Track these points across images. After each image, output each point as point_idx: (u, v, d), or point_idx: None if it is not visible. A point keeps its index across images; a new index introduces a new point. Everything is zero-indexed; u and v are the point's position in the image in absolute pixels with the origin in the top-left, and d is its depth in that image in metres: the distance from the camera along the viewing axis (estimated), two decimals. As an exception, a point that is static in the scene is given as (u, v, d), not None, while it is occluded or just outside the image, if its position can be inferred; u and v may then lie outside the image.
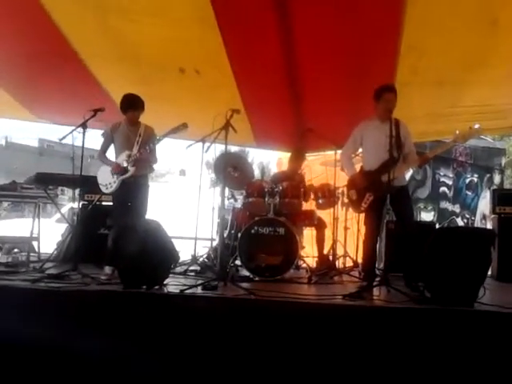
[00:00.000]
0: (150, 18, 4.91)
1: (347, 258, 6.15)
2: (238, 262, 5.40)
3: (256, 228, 5.18)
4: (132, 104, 4.97)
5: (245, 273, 5.21)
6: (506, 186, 14.72)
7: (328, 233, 6.00)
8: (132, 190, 4.97)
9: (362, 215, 5.00)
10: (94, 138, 5.30)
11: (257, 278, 5.02)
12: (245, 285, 4.47)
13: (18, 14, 5.04)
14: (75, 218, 5.76)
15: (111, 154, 5.16)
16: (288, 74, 5.82)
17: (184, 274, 5.14)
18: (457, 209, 11.33)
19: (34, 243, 6.46)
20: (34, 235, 6.24)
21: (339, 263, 6.05)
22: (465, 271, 3.62)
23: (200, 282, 4.37)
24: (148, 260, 4.05)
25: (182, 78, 5.78)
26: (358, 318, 3.52)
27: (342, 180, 5.71)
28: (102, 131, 5.27)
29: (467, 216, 11.50)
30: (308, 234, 6.29)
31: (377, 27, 4.79)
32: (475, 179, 11.84)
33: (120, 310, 3.71)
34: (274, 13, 4.77)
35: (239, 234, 5.29)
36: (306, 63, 5.58)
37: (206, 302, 3.81)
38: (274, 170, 11.86)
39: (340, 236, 6.08)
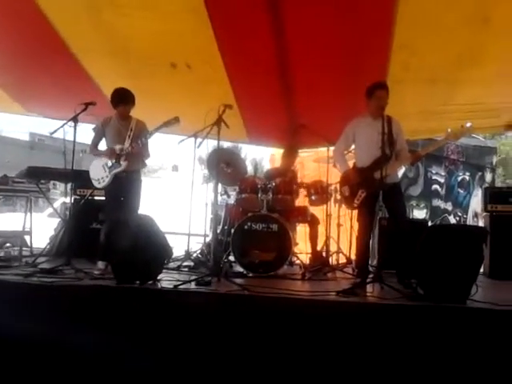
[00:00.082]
0: (141, 12, 4.88)
1: (340, 255, 6.17)
2: (231, 258, 5.39)
3: (249, 224, 5.19)
4: (123, 98, 4.94)
5: (238, 269, 5.20)
6: (498, 184, 14.86)
7: (321, 229, 6.00)
8: (124, 184, 4.96)
9: (355, 212, 5.02)
10: (85, 133, 5.28)
11: (250, 274, 5.03)
12: (238, 280, 4.47)
13: (10, 8, 5.00)
14: (67, 212, 5.73)
15: (102, 148, 5.14)
16: (280, 70, 5.81)
17: (177, 269, 5.12)
18: (449, 207, 11.39)
19: (27, 237, 6.43)
20: (26, 229, 6.21)
21: (332, 260, 6.06)
22: (457, 268, 3.65)
23: (193, 277, 4.37)
24: (141, 255, 4.04)
25: (174, 73, 5.75)
26: (351, 315, 3.53)
27: (334, 177, 5.73)
28: (93, 125, 5.25)
29: (459, 214, 11.57)
30: (301, 231, 6.30)
31: (369, 25, 4.80)
32: (467, 177, 11.91)
33: (113, 305, 3.71)
34: (266, 9, 4.77)
35: (232, 230, 5.29)
36: (298, 60, 5.58)
37: (200, 298, 3.82)
38: (267, 166, 11.87)
39: (333, 232, 6.09)
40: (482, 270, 4.81)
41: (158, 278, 4.20)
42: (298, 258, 5.68)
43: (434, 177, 11.14)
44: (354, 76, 5.38)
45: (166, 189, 10.63)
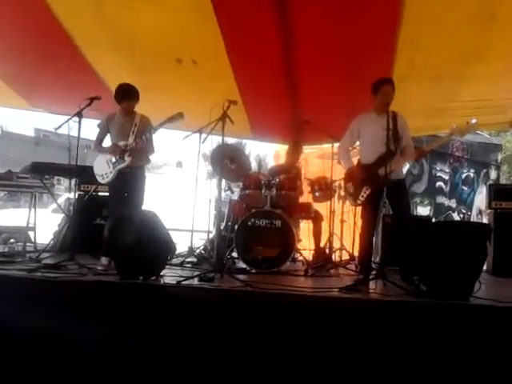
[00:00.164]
0: (146, 5, 4.87)
1: (343, 251, 6.16)
2: (234, 254, 5.40)
3: (253, 220, 5.18)
4: (127, 94, 4.94)
5: (241, 265, 5.21)
6: (503, 181, 14.80)
7: (324, 226, 6.01)
8: (128, 180, 4.96)
9: (359, 208, 5.01)
10: (90, 128, 5.28)
11: (253, 270, 5.03)
12: (241, 277, 4.47)
13: (15, 2, 5.00)
14: (71, 208, 5.75)
15: (107, 144, 5.15)
16: (286, 69, 5.81)
17: (181, 265, 5.13)
18: (453, 204, 11.37)
19: (31, 233, 6.45)
20: (30, 225, 6.23)
21: (335, 256, 6.06)
22: (460, 265, 3.64)
23: (197, 273, 4.37)
24: (144, 251, 4.04)
25: (179, 69, 5.75)
26: (354, 311, 3.53)
27: (338, 173, 5.72)
28: (97, 121, 5.25)
29: (463, 211, 11.54)
30: (304, 227, 6.29)
31: (375, 23, 4.80)
32: (472, 174, 11.87)
33: (116, 300, 3.71)
34: (273, 8, 4.77)
35: (236, 226, 5.28)
36: (304, 58, 5.58)
37: (203, 294, 3.82)
38: (271, 163, 11.84)
39: (336, 229, 6.09)
40: (485, 267, 4.81)
41: (162, 273, 4.20)
42: (301, 255, 5.68)
43: (438, 174, 11.12)
44: (360, 73, 5.37)
45: (170, 185, 10.64)
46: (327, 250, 5.89)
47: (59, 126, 4.86)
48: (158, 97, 6.02)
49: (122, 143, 4.90)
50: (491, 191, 5.91)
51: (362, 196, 4.66)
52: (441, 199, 11.14)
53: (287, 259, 5.12)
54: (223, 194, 6.24)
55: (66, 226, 5.88)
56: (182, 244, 5.64)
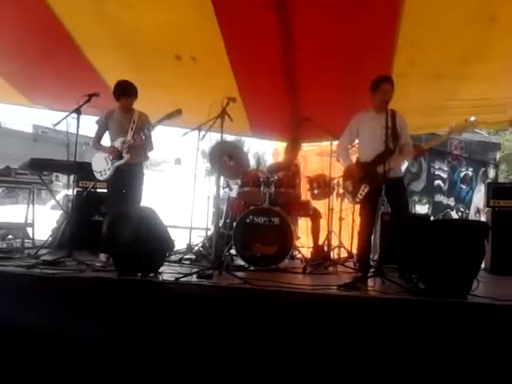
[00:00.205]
0: (146, 3, 4.87)
1: (342, 249, 6.17)
2: (233, 252, 5.40)
3: (251, 217, 5.19)
4: (125, 91, 4.93)
5: (240, 262, 5.22)
6: (501, 180, 14.82)
7: (323, 223, 6.00)
8: (127, 177, 4.95)
9: (357, 206, 5.01)
10: (88, 125, 5.27)
11: (252, 268, 5.03)
12: (240, 274, 4.47)
13: (16, 2, 4.99)
14: (70, 204, 5.74)
15: (106, 142, 5.15)
16: (286, 68, 5.81)
17: (179, 262, 5.14)
18: (451, 202, 11.38)
19: (29, 229, 6.44)
20: (28, 221, 6.22)
21: (334, 254, 6.06)
22: (459, 263, 3.64)
23: (195, 270, 4.38)
24: (143, 247, 4.05)
25: (178, 65, 5.75)
26: (352, 308, 3.53)
27: (337, 171, 5.72)
28: (96, 117, 5.24)
29: (461, 209, 11.56)
30: (303, 225, 6.30)
31: (375, 22, 4.80)
32: (470, 173, 11.89)
33: (115, 297, 3.71)
34: (273, 8, 4.77)
35: (234, 224, 5.29)
36: (304, 58, 5.59)
37: (201, 290, 3.82)
38: (269, 160, 11.84)
39: (335, 227, 6.08)
40: (483, 266, 4.82)
41: (160, 270, 4.21)
42: (300, 252, 5.68)
43: (436, 172, 11.13)
44: (359, 71, 5.37)
45: (168, 182, 10.63)
46: (325, 248, 5.88)
47: (57, 123, 4.86)
48: (157, 94, 6.02)
49: (120, 140, 4.89)
50: (489, 189, 5.92)
51: (361, 194, 4.66)
52: (439, 197, 11.16)
53: (285, 257, 5.12)
54: (222, 191, 6.24)
55: (65, 223, 5.88)
56: (180, 241, 5.64)
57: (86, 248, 5.22)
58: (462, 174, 11.73)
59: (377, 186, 4.49)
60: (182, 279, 3.97)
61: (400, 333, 3.36)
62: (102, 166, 4.97)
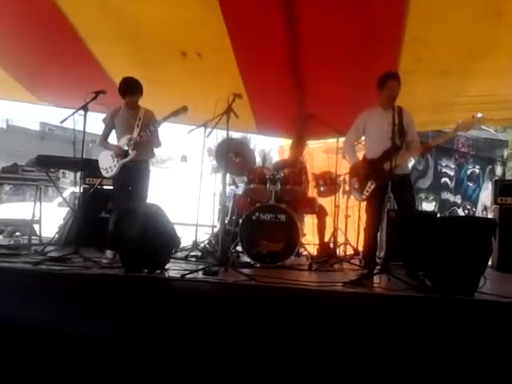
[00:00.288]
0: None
1: (348, 246, 6.16)
2: (239, 248, 5.40)
3: (257, 214, 5.18)
4: (130, 88, 4.93)
5: (246, 259, 5.22)
6: (508, 177, 14.70)
7: (329, 220, 6.00)
8: (132, 174, 4.96)
9: (363, 203, 5.00)
10: (95, 122, 5.29)
11: (258, 265, 5.03)
12: (245, 271, 4.48)
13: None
14: (76, 201, 5.76)
15: (113, 140, 5.16)
16: (292, 63, 5.80)
17: (185, 259, 5.15)
18: (458, 200, 11.32)
19: (36, 226, 6.47)
20: (35, 218, 6.25)
21: (340, 251, 6.05)
22: (465, 260, 3.63)
23: (201, 267, 4.38)
24: (149, 244, 4.05)
25: (184, 62, 5.76)
26: (358, 305, 3.52)
27: (343, 168, 5.71)
28: (103, 115, 5.26)
29: (468, 207, 11.50)
30: (309, 222, 6.29)
31: (381, 18, 4.79)
32: (477, 170, 11.82)
33: (121, 293, 3.72)
34: (280, 7, 4.77)
35: (240, 221, 5.29)
36: (310, 55, 5.59)
37: (207, 287, 3.83)
38: (275, 157, 11.83)
39: (341, 224, 6.07)
40: (490, 263, 4.80)
41: (166, 267, 4.22)
42: (306, 249, 5.68)
43: (443, 170, 11.07)
44: (365, 67, 5.36)
45: (174, 179, 10.64)
46: (331, 245, 5.88)
47: (64, 119, 4.87)
48: (163, 91, 6.03)
49: (126, 137, 4.90)
50: (497, 187, 5.91)
51: (367, 191, 4.65)
52: (446, 195, 11.11)
53: (291, 254, 5.11)
54: (228, 189, 6.24)
55: (71, 220, 5.90)
56: (186, 238, 5.64)
57: (93, 245, 5.24)
58: (468, 172, 11.66)
59: (383, 182, 4.48)
60: (188, 276, 3.98)
61: (406, 330, 3.35)
62: (108, 163, 4.98)
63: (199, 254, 5.47)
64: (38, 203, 6.21)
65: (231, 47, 5.43)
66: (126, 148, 4.89)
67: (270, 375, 3.35)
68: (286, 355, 3.38)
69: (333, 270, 5.17)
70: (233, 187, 6.64)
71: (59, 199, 9.11)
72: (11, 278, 3.90)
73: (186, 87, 6.25)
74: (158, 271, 4.10)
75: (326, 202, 6.10)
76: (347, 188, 5.76)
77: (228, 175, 5.90)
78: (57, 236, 5.99)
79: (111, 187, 5.39)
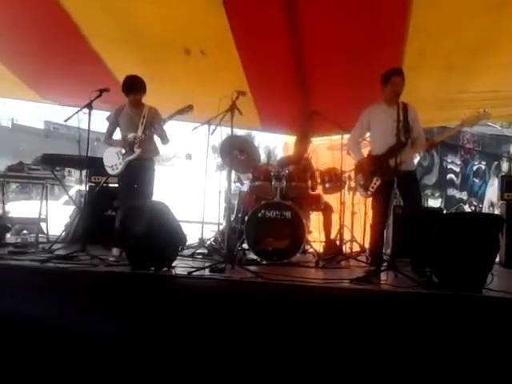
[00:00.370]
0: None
1: (354, 243, 6.14)
2: (245, 246, 5.40)
3: (263, 212, 5.18)
4: (133, 86, 4.93)
5: (252, 256, 5.21)
6: (515, 173, 14.62)
7: (335, 217, 5.98)
8: (138, 172, 4.97)
9: (369, 200, 4.99)
10: (99, 121, 5.29)
11: (264, 262, 5.03)
12: (252, 268, 4.48)
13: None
14: (82, 199, 5.77)
15: (117, 137, 5.17)
16: (295, 62, 5.79)
17: (192, 256, 5.14)
18: (464, 196, 11.28)
19: (43, 224, 6.49)
20: (42, 216, 6.27)
21: (346, 248, 6.04)
22: (473, 257, 3.62)
23: (207, 264, 4.39)
24: (155, 241, 4.06)
25: (187, 60, 5.74)
26: (365, 302, 3.53)
27: (348, 164, 5.69)
28: (107, 113, 5.26)
29: (474, 203, 11.44)
30: (315, 219, 6.27)
31: (385, 15, 4.77)
32: (483, 166, 11.75)
33: (128, 291, 3.73)
34: (282, 8, 4.76)
35: (246, 218, 5.29)
36: (314, 54, 5.57)
37: (214, 284, 3.84)
38: (280, 154, 11.84)
39: (347, 221, 6.05)
40: (497, 259, 4.78)
41: (173, 264, 4.22)
42: (312, 247, 5.67)
43: (449, 166, 11.03)
44: (370, 65, 5.33)
45: (179, 177, 10.65)
46: (338, 242, 5.87)
47: (69, 118, 4.88)
48: (166, 88, 6.03)
49: (131, 135, 4.91)
50: (503, 183, 5.89)
51: (373, 187, 4.64)
52: (452, 191, 11.06)
53: (298, 251, 5.11)
54: (233, 186, 6.24)
55: (78, 218, 5.92)
56: (192, 236, 5.64)
57: (99, 242, 5.26)
58: (474, 168, 11.60)
59: (389, 179, 4.46)
60: (194, 273, 3.99)
61: (414, 327, 3.34)
62: (113, 161, 4.99)
63: (205, 251, 5.48)
64: (44, 201, 6.24)
65: (235, 46, 5.42)
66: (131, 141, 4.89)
67: (278, 372, 3.35)
68: (294, 352, 3.38)
69: (339, 267, 5.16)
70: (238, 184, 6.64)
71: (65, 197, 9.12)
72: (19, 275, 3.93)
73: (189, 85, 6.24)
74: (165, 269, 4.11)
75: (331, 199, 6.08)
76: (353, 184, 5.75)
77: (233, 172, 5.90)
78: (63, 234, 6.01)
79: (117, 185, 5.40)
